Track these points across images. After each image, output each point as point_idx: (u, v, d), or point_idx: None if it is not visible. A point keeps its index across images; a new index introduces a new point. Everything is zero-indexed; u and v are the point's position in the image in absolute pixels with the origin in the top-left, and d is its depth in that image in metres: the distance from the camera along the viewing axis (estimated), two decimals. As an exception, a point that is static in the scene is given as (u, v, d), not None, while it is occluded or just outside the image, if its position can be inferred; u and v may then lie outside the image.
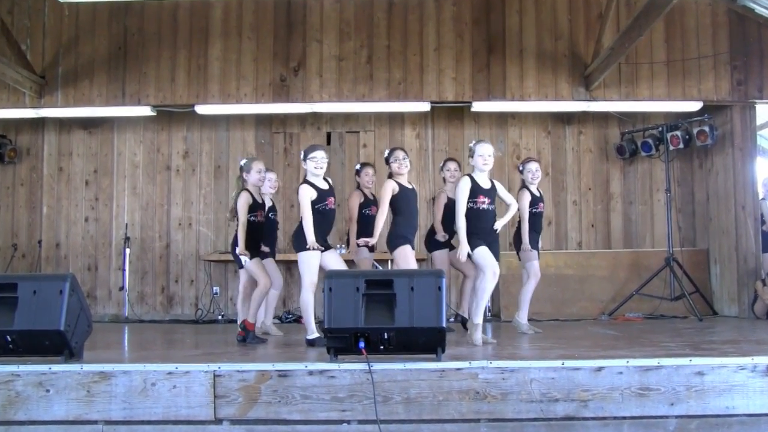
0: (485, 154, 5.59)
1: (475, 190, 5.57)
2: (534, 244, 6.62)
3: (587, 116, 9.62)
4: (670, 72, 8.74)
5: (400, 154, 6.00)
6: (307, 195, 5.54)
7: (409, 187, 6.03)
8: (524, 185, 6.67)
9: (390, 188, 5.89)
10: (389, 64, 8.86)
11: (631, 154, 9.44)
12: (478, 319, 5.49)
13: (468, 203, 5.56)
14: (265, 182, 6.46)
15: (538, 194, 6.71)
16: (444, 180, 6.95)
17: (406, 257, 5.79)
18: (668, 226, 8.91)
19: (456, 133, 9.64)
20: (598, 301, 9.00)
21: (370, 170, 6.82)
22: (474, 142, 5.75)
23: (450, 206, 6.62)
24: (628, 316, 8.60)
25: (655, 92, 8.74)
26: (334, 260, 5.58)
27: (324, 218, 5.61)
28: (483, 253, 5.50)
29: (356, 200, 6.69)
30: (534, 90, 8.81)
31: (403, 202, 5.95)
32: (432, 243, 6.80)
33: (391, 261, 6.18)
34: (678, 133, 8.97)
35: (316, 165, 5.57)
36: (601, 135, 9.74)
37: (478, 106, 8.96)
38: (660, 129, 9.18)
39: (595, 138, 9.74)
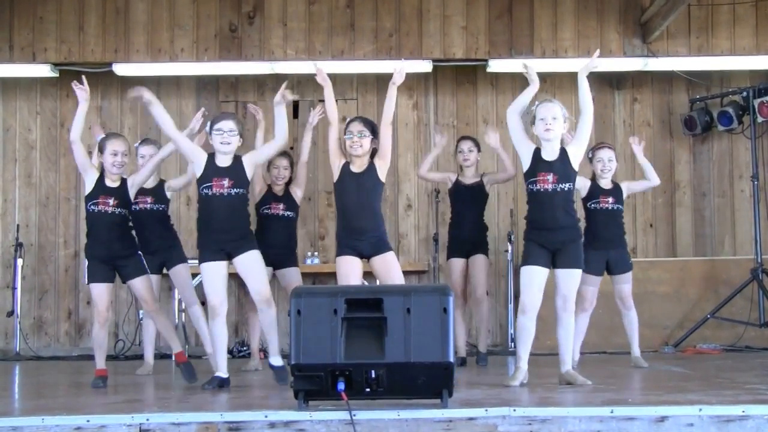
0: (547, 117, 5.50)
1: (534, 167, 5.55)
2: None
3: (644, 78, 9.64)
4: (760, 16, 8.78)
5: (355, 127, 5.97)
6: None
7: (356, 171, 5.92)
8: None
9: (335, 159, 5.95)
10: (377, 9, 8.86)
11: (705, 129, 9.45)
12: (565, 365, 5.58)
13: (527, 184, 5.61)
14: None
15: (609, 187, 6.88)
16: (460, 167, 7.35)
17: (341, 274, 5.88)
18: (756, 225, 8.94)
19: (467, 102, 9.63)
20: (659, 327, 9.02)
21: (282, 161, 6.90)
22: (537, 103, 5.68)
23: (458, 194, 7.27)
24: (700, 348, 8.63)
25: (739, 44, 8.78)
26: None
27: (208, 207, 5.60)
28: (522, 276, 5.54)
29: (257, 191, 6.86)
30: (572, 43, 8.83)
31: (339, 193, 5.97)
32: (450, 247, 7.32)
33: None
34: (769, 99, 9.02)
35: (222, 140, 5.58)
36: (663, 103, 9.76)
37: (496, 66, 8.98)
38: (744, 94, 9.19)
39: (654, 107, 9.76)
